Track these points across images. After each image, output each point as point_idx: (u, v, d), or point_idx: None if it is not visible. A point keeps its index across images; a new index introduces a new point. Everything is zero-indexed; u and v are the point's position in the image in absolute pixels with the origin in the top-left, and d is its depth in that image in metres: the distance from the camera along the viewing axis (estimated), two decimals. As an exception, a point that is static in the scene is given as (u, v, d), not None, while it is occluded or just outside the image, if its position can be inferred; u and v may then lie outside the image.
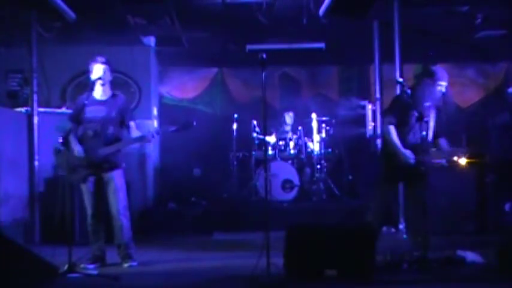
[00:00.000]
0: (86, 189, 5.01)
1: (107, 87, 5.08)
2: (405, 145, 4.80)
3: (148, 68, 8.57)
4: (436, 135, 4.96)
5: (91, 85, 5.01)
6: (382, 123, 4.97)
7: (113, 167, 4.98)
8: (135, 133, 5.06)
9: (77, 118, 5.02)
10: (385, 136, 4.92)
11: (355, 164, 8.75)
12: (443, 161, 5.04)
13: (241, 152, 8.51)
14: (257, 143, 8.40)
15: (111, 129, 4.98)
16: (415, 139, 4.83)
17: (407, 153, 4.75)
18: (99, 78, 4.96)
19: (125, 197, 5.05)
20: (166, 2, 6.87)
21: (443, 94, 4.91)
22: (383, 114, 5.00)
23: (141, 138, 5.04)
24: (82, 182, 4.99)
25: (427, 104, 4.83)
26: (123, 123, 5.06)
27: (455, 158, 6.87)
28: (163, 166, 9.23)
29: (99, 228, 5.07)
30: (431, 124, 4.88)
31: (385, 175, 4.98)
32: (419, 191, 4.91)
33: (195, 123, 5.01)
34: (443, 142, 5.00)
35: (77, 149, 4.90)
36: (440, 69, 5.00)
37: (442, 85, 4.85)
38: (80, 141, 4.96)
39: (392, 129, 4.81)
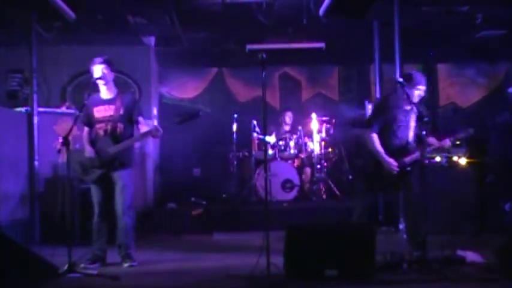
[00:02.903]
0: (95, 188, 5.05)
1: (111, 85, 5.13)
2: (390, 148, 4.84)
3: (149, 68, 8.57)
4: (419, 137, 4.96)
5: (94, 86, 5.06)
6: (364, 131, 4.93)
7: (123, 165, 5.00)
8: (144, 128, 5.07)
9: (87, 121, 5.11)
10: (368, 145, 4.90)
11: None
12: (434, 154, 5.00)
13: (241, 152, 8.50)
14: (257, 142, 8.39)
15: (120, 127, 5.02)
16: (400, 141, 4.89)
17: (391, 162, 4.80)
18: (100, 78, 5.02)
19: (131, 196, 5.05)
20: (166, 2, 6.87)
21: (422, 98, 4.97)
22: (366, 121, 4.98)
23: (149, 133, 5.01)
24: (95, 183, 5.02)
25: (408, 107, 4.89)
26: (131, 120, 5.10)
27: (455, 158, 6.92)
28: (163, 166, 9.23)
29: (103, 226, 5.09)
30: (412, 125, 4.93)
31: (368, 184, 5.04)
32: (411, 193, 4.92)
33: (201, 114, 5.02)
34: (431, 140, 5.00)
35: (88, 149, 4.97)
36: (418, 73, 5.05)
37: (421, 89, 4.91)
38: (93, 141, 5.03)
39: (375, 138, 4.85)
